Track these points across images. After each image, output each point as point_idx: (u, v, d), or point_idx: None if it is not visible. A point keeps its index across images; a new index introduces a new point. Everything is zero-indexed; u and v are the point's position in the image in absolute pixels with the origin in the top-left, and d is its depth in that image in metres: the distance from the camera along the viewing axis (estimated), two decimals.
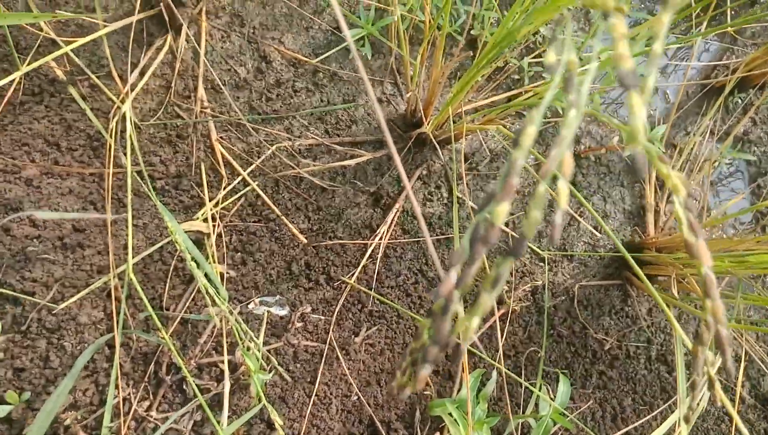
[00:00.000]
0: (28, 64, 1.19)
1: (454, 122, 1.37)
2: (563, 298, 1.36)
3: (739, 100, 1.56)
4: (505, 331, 1.28)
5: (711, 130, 1.54)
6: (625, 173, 1.47)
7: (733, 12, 1.59)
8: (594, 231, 1.42)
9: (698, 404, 0.89)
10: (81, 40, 1.12)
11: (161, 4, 1.28)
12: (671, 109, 1.52)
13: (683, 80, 1.54)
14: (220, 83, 1.33)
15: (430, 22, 1.19)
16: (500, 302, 1.30)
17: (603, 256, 1.40)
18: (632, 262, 0.80)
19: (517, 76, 1.50)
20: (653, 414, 1.30)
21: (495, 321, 1.28)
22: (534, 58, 1.48)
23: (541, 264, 1.38)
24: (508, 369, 1.25)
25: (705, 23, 1.43)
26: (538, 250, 1.38)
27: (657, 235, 1.40)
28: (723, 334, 0.55)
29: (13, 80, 1.18)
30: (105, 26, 1.22)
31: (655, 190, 1.46)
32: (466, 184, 1.39)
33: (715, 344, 0.58)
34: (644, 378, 1.35)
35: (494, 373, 1.15)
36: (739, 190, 1.55)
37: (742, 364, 1.14)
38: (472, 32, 1.47)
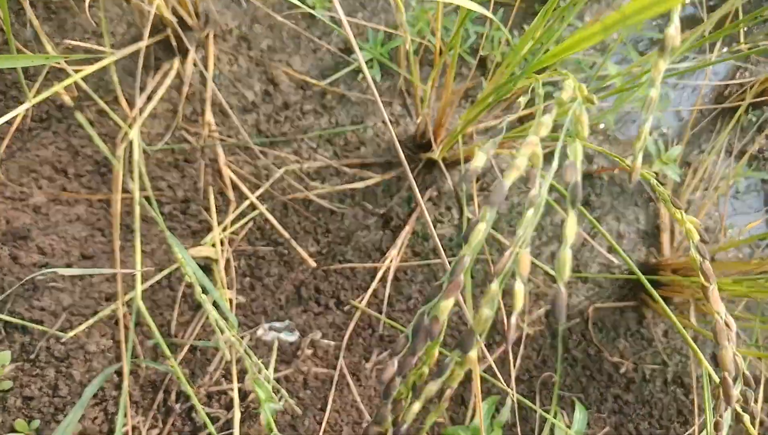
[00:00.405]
0: (37, 92, 1.20)
1: (464, 144, 1.35)
2: (577, 320, 1.34)
3: (753, 118, 1.54)
4: (519, 355, 1.26)
5: (726, 148, 1.52)
6: (638, 193, 1.45)
7: (746, 29, 1.57)
8: (606, 253, 1.40)
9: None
10: (89, 69, 1.12)
11: (168, 28, 1.28)
12: (686, 128, 1.50)
13: (696, 98, 1.52)
14: (227, 107, 1.32)
15: (441, 47, 1.18)
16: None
17: (618, 277, 1.38)
18: (648, 284, 0.78)
19: (528, 96, 1.49)
20: None
21: (509, 346, 1.25)
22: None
23: (555, 285, 1.35)
24: (522, 394, 1.23)
25: (719, 42, 1.41)
26: (551, 271, 1.36)
27: (673, 256, 1.38)
28: (728, 382, 0.52)
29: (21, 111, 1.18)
30: (113, 53, 1.22)
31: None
32: (477, 205, 1.37)
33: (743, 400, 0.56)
34: (660, 401, 1.32)
35: (508, 400, 1.13)
36: (755, 208, 1.52)
37: (762, 388, 1.12)
38: (481, 53, 1.46)
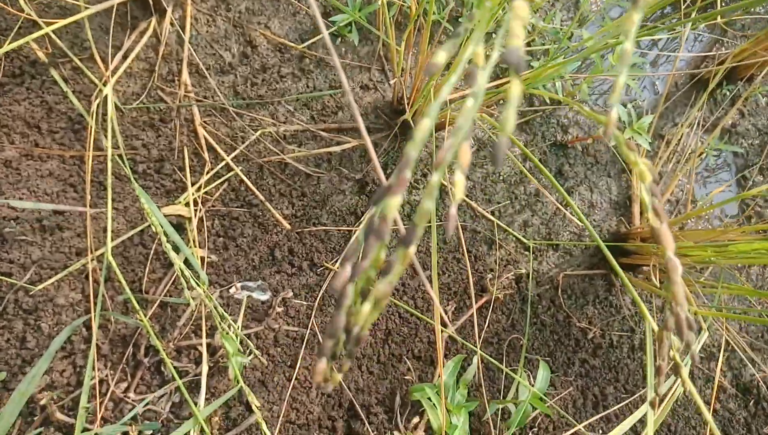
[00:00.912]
0: (9, 44, 1.18)
1: (440, 110, 1.36)
2: (547, 286, 1.36)
3: (727, 92, 1.56)
4: (488, 318, 1.28)
5: (699, 121, 1.54)
6: (612, 163, 1.47)
7: (723, 3, 1.58)
8: (578, 222, 1.42)
9: (673, 391, 0.88)
10: (62, 22, 1.10)
11: None
12: (659, 100, 1.52)
13: (672, 71, 1.53)
14: (204, 68, 1.32)
15: (416, 7, 1.18)
16: (484, 290, 1.30)
17: (588, 245, 1.40)
18: (606, 250, 0.80)
19: (504, 65, 1.49)
20: (632, 398, 1.30)
21: (478, 308, 1.28)
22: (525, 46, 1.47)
23: (526, 253, 1.37)
24: (491, 356, 1.25)
25: (693, 13, 1.42)
26: (523, 238, 1.37)
27: (642, 225, 1.40)
28: (682, 316, 0.54)
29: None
30: (87, 8, 1.21)
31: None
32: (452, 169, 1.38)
33: (677, 328, 0.58)
34: (627, 367, 1.35)
35: (475, 359, 1.15)
36: (727, 181, 1.55)
37: (722, 353, 1.14)
38: (459, 20, 1.46)
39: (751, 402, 1.40)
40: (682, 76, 1.57)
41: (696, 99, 1.54)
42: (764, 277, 1.49)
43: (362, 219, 1.28)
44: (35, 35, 1.04)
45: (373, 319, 0.35)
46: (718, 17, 1.42)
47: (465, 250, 1.32)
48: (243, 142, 1.28)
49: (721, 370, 1.42)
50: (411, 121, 1.22)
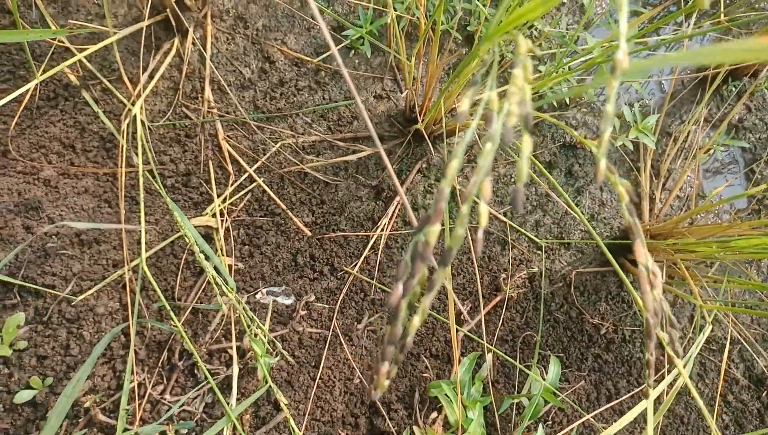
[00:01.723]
0: (44, 72, 1.26)
1: (452, 116, 1.41)
2: (560, 284, 1.41)
3: (733, 88, 1.59)
4: (503, 316, 1.33)
5: (705, 118, 1.57)
6: (621, 162, 1.51)
7: (727, 1, 1.61)
8: (586, 222, 1.46)
9: (677, 384, 0.93)
10: (93, 48, 1.18)
11: (167, 9, 1.34)
12: (665, 98, 1.55)
13: (676, 70, 1.57)
14: (225, 84, 1.39)
15: (425, 21, 1.24)
16: (498, 289, 1.35)
17: (592, 243, 1.44)
18: (608, 254, 0.84)
19: (511, 70, 1.54)
20: (639, 390, 1.34)
21: (493, 307, 1.33)
22: (529, 52, 1.51)
23: (539, 252, 1.42)
24: (506, 353, 1.30)
25: (695, 14, 1.45)
26: (535, 238, 1.42)
27: (652, 222, 1.44)
28: (651, 323, 0.59)
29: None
30: (115, 33, 1.28)
31: (650, 179, 1.50)
32: (465, 175, 1.43)
33: (646, 335, 0.63)
34: (639, 361, 1.39)
35: (489, 356, 1.20)
36: (735, 177, 1.58)
37: (727, 346, 1.18)
38: (468, 28, 1.52)
39: (764, 393, 1.43)
40: (688, 74, 1.60)
41: (702, 96, 1.57)
42: None
43: (379, 224, 1.34)
44: (69, 62, 1.11)
45: (415, 329, 0.41)
46: (722, 16, 1.45)
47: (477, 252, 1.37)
48: (264, 154, 1.35)
49: (733, 361, 1.45)
50: (423, 131, 1.27)
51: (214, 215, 1.25)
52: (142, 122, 1.28)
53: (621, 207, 0.65)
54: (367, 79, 1.48)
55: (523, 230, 1.42)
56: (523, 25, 0.93)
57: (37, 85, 1.27)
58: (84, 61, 1.28)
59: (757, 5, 1.58)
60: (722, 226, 1.21)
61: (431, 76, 1.25)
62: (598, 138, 1.18)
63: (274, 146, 1.35)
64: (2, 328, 1.05)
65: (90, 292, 1.12)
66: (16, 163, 1.20)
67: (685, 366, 0.96)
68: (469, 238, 1.38)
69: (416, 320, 0.45)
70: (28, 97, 1.25)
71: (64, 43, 1.27)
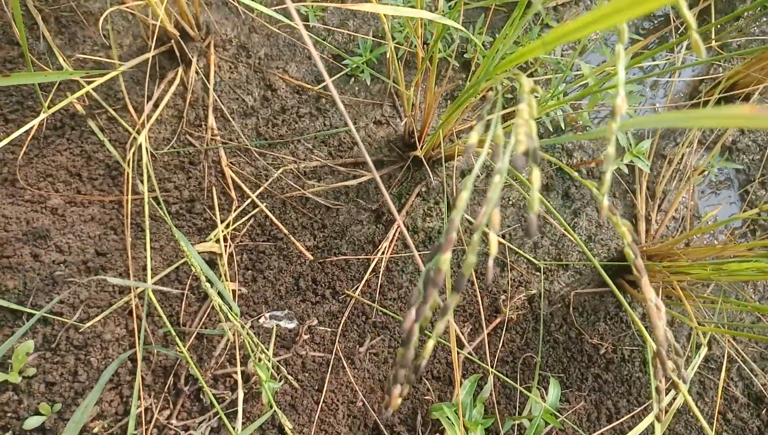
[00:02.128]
0: (51, 102, 1.29)
1: (451, 141, 1.45)
2: (559, 305, 1.43)
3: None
4: (503, 338, 1.35)
5: (700, 140, 1.60)
6: (617, 184, 1.54)
7: (718, 27, 1.65)
8: (582, 244, 1.49)
9: (676, 404, 0.95)
10: (100, 80, 1.21)
11: (172, 40, 1.38)
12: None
13: (670, 93, 1.60)
14: (228, 112, 1.42)
15: (422, 52, 1.27)
16: (498, 311, 1.37)
17: (604, 262, 1.46)
18: (605, 276, 0.87)
19: (510, 95, 1.58)
20: (641, 409, 1.36)
21: (493, 328, 1.35)
22: (528, 75, 1.55)
23: (538, 273, 1.44)
24: (506, 374, 1.32)
25: (684, 45, 1.49)
26: (534, 260, 1.45)
27: (648, 243, 1.46)
28: (663, 354, 0.62)
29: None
30: (121, 65, 1.32)
31: (646, 200, 1.52)
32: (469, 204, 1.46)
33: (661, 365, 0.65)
34: (639, 380, 1.41)
35: (490, 378, 1.22)
36: (729, 196, 1.61)
37: (724, 366, 1.20)
38: (465, 55, 1.55)
39: (764, 410, 1.45)
40: (682, 97, 1.64)
41: None
42: None
43: (378, 248, 1.36)
44: (77, 95, 1.14)
45: (429, 353, 0.43)
46: (713, 42, 1.49)
47: (476, 274, 1.39)
48: (266, 180, 1.38)
49: (732, 380, 1.47)
50: (423, 158, 1.30)
51: (217, 241, 1.28)
52: (148, 150, 1.31)
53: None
54: (366, 105, 1.51)
55: (521, 252, 1.44)
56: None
57: (44, 113, 1.29)
58: (90, 91, 1.31)
59: (747, 30, 1.62)
60: (716, 247, 1.23)
61: (429, 105, 1.28)
62: (594, 161, 1.21)
63: (276, 172, 1.38)
64: (12, 355, 1.06)
65: (97, 319, 1.14)
66: (24, 191, 1.22)
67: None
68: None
69: (430, 344, 0.47)
70: (35, 127, 1.28)
71: (74, 76, 1.30)
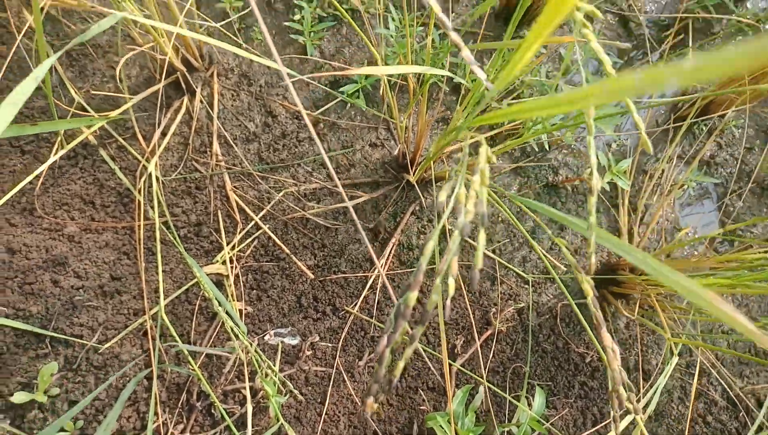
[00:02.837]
0: (65, 133, 1.37)
1: (442, 161, 1.53)
2: (547, 316, 1.51)
3: (704, 127, 1.71)
4: (493, 349, 1.43)
5: (679, 155, 1.69)
6: (600, 200, 1.62)
7: (700, 37, 1.74)
8: (570, 257, 1.57)
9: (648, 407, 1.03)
10: (113, 113, 1.30)
11: (177, 72, 1.46)
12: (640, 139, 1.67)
13: (653, 112, 1.69)
14: (231, 138, 1.50)
15: (414, 83, 1.35)
16: (489, 323, 1.46)
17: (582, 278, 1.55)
18: (571, 300, 0.95)
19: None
20: (622, 412, 1.44)
21: (484, 340, 1.43)
22: (513, 99, 1.63)
23: (526, 286, 1.53)
24: (497, 384, 1.40)
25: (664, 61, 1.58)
26: (523, 273, 1.53)
27: None
28: (623, 396, 0.70)
29: (54, 149, 1.36)
30: (131, 98, 1.40)
31: (629, 214, 1.61)
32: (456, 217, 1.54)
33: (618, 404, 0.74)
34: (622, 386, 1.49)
35: (481, 388, 1.30)
36: (708, 209, 1.69)
37: (696, 374, 1.28)
38: (454, 80, 1.63)
39: (741, 413, 1.53)
40: (662, 114, 1.72)
41: (675, 134, 1.69)
42: (743, 302, 1.63)
43: (375, 266, 1.45)
44: (92, 130, 1.22)
45: (401, 371, 0.51)
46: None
47: (467, 288, 1.48)
48: (269, 203, 1.46)
49: (711, 384, 1.55)
50: (415, 183, 1.38)
51: (224, 262, 1.36)
52: (157, 178, 1.39)
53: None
54: (362, 128, 1.59)
55: (511, 266, 1.53)
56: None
57: (59, 145, 1.37)
58: (105, 125, 1.39)
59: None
60: (690, 261, 1.32)
61: (421, 130, 1.37)
62: (578, 178, 1.30)
63: (277, 195, 1.46)
64: (37, 376, 1.15)
65: (114, 340, 1.22)
66: (42, 220, 1.31)
67: (654, 394, 1.07)
68: (460, 277, 1.49)
69: (400, 364, 0.56)
70: (51, 158, 1.36)
71: (89, 112, 1.38)
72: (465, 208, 0.56)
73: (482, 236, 0.55)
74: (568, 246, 1.58)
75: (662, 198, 1.61)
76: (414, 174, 1.42)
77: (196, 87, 1.52)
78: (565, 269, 1.57)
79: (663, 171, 1.62)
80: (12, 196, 1.32)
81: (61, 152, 1.16)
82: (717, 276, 1.06)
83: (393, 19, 1.58)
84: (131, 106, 1.40)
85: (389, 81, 1.58)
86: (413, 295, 0.53)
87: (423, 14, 1.69)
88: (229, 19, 1.41)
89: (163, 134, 1.47)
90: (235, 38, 1.61)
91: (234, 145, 1.50)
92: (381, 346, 0.55)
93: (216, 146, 1.49)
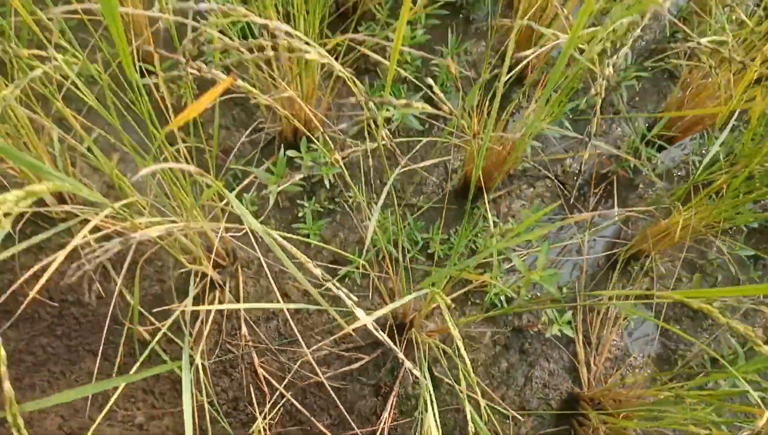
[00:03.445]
0: (145, 371, 1.74)
1: (428, 318, 1.89)
2: None
3: (637, 267, 2.09)
4: None
5: (620, 291, 2.05)
6: (559, 339, 1.97)
7: (624, 192, 2.14)
8: (543, 390, 1.90)
9: None
10: (167, 323, 1.67)
11: (209, 275, 1.85)
12: (585, 278, 2.04)
13: (586, 254, 2.07)
14: (254, 320, 1.87)
15: (392, 267, 1.74)
16: None
17: (552, 412, 1.88)
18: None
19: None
20: None
21: None
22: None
23: (507, 421, 1.85)
24: None
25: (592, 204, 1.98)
26: (502, 410, 1.86)
27: (591, 389, 1.88)
28: None
29: (121, 351, 1.72)
30: (179, 305, 1.78)
31: (584, 347, 1.96)
32: (446, 368, 1.89)
33: None
34: None
35: None
36: (650, 333, 2.04)
37: None
38: (428, 250, 2.03)
39: None
40: (601, 257, 2.10)
41: (612, 276, 2.07)
42: None
43: (380, 418, 1.78)
44: (150, 346, 1.59)
45: None
46: (615, 217, 1.97)
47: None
48: (289, 372, 1.81)
49: None
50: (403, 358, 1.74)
51: (259, 432, 1.70)
52: (202, 365, 1.75)
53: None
54: (359, 297, 1.96)
55: (492, 404, 1.86)
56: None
57: (122, 348, 1.73)
58: (157, 323, 1.76)
59: (648, 208, 2.10)
60: (638, 392, 1.65)
61: (406, 310, 1.74)
62: (538, 324, 1.69)
63: (294, 365, 1.82)
64: None
65: None
66: (117, 413, 1.66)
67: None
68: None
69: None
70: (119, 358, 1.73)
71: (151, 325, 1.76)
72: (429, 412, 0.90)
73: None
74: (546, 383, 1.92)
75: (611, 329, 1.96)
76: (401, 346, 1.78)
77: (225, 282, 1.90)
78: (538, 403, 1.90)
79: (607, 307, 1.98)
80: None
81: (133, 369, 1.52)
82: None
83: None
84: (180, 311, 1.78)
85: (376, 256, 1.97)
86: None
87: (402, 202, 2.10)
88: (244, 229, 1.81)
89: (202, 323, 1.84)
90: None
91: (257, 326, 1.86)
92: None
93: (244, 328, 1.86)
